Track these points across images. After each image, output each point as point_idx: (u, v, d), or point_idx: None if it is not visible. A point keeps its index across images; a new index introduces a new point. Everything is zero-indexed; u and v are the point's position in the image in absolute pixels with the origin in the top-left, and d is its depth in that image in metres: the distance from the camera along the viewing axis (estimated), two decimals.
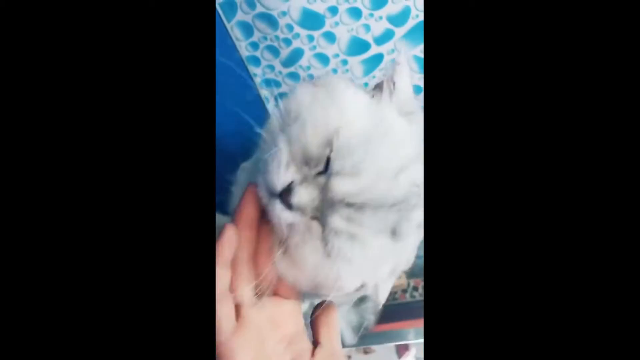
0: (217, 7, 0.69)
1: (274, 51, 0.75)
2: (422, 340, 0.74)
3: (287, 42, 0.73)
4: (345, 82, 0.36)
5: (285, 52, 0.74)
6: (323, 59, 0.75)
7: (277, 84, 0.79)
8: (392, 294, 0.79)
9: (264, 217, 0.35)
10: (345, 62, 0.75)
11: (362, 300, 0.72)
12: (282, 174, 0.31)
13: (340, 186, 0.31)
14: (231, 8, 0.70)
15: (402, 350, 0.80)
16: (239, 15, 0.71)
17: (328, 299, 0.36)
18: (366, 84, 0.77)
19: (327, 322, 0.38)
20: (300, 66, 0.76)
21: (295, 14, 0.69)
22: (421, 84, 0.33)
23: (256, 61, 0.78)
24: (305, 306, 0.49)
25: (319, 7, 0.68)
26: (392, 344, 0.79)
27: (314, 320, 0.39)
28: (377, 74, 0.76)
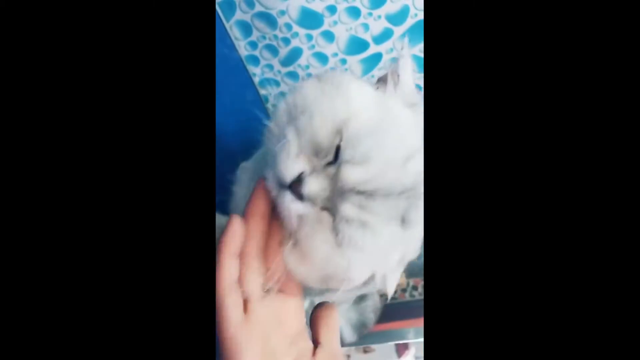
0: (217, 6, 0.69)
1: (273, 50, 0.75)
2: (421, 340, 0.75)
3: (286, 41, 0.73)
4: (350, 76, 0.36)
5: (284, 51, 0.74)
6: (322, 58, 0.75)
7: (276, 83, 0.80)
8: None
9: (274, 211, 0.35)
10: (344, 61, 0.75)
11: (362, 298, 0.72)
12: (292, 165, 0.32)
13: (351, 174, 0.31)
14: (230, 7, 0.70)
15: (401, 349, 0.80)
16: (238, 15, 0.71)
17: (337, 293, 0.36)
18: None
19: (327, 323, 0.38)
20: (299, 65, 0.76)
21: (294, 13, 0.68)
22: (421, 83, 0.33)
23: (255, 60, 0.78)
24: (306, 304, 0.49)
25: (318, 6, 0.68)
26: (391, 343, 0.79)
27: (313, 320, 0.39)
28: (376, 73, 0.76)
